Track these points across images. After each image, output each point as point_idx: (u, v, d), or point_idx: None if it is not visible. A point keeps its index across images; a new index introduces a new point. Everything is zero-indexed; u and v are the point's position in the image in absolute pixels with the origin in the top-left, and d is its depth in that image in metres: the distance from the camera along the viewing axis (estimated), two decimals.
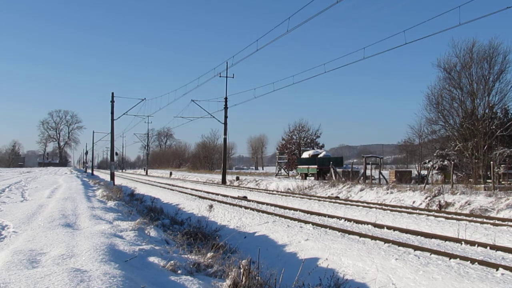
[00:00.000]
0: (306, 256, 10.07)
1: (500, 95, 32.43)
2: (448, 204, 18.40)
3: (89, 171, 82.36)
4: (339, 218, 15.43)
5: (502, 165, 29.52)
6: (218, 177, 48.68)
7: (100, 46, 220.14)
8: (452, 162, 31.23)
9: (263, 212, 17.24)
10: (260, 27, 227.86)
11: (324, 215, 16.34)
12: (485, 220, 14.30)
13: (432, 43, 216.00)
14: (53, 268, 4.92)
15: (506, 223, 13.60)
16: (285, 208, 19.07)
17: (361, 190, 25.13)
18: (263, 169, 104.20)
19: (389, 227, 13.17)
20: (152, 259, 6.28)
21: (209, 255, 6.84)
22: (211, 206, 18.42)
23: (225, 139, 44.75)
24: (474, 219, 14.70)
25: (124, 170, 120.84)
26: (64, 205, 12.92)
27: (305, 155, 45.87)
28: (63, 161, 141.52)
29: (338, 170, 35.97)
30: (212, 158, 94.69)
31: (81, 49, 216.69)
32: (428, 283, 7.69)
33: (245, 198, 24.53)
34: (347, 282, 7.48)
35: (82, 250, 6.06)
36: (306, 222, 14.21)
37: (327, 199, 22.86)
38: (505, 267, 8.04)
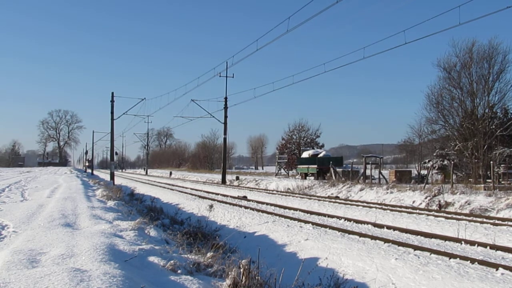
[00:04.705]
0: (306, 255, 10.07)
1: (500, 95, 32.48)
2: (448, 204, 18.40)
3: (89, 170, 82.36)
4: (339, 218, 15.43)
5: (502, 165, 29.53)
6: (218, 177, 48.68)
7: (100, 46, 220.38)
8: (452, 162, 31.23)
9: (263, 211, 17.24)
10: (260, 27, 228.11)
11: (324, 215, 16.34)
12: (485, 220, 14.30)
13: (432, 43, 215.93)
14: (53, 267, 4.92)
15: (506, 222, 13.59)
16: (285, 207, 19.07)
17: (361, 190, 25.12)
18: (263, 169, 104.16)
19: (389, 227, 13.18)
20: (152, 258, 6.28)
21: (209, 254, 6.83)
22: (211, 206, 18.40)
23: (225, 139, 44.76)
24: (474, 219, 14.69)
25: (124, 170, 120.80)
26: (64, 205, 12.92)
27: (305, 154, 45.85)
28: (63, 161, 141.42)
29: (338, 170, 35.97)
30: (212, 157, 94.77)
31: (81, 49, 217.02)
32: (428, 282, 7.69)
33: (245, 197, 24.53)
34: (347, 281, 7.47)
35: (82, 249, 6.06)
36: (306, 222, 14.21)
37: (327, 199, 22.86)
38: (505, 267, 8.04)
